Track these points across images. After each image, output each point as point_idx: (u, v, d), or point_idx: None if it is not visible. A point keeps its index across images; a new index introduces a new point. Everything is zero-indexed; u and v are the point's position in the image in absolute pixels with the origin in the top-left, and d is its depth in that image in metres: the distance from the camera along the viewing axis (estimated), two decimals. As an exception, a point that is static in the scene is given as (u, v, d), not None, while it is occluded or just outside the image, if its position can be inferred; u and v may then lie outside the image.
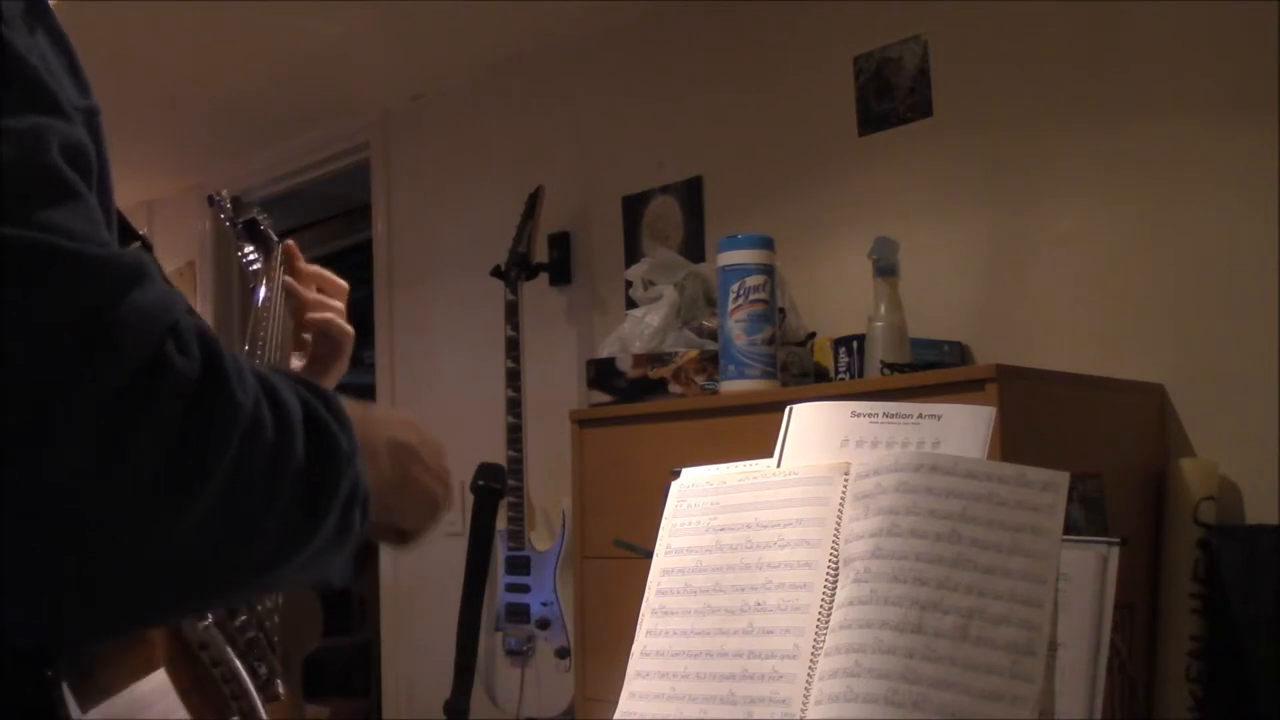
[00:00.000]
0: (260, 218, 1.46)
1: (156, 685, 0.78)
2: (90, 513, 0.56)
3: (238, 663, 0.92)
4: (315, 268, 1.33)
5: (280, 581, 0.67)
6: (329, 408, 0.68)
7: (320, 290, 1.30)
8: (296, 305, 1.28)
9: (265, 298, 1.34)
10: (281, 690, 1.08)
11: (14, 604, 0.59)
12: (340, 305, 1.30)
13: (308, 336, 1.28)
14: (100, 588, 0.59)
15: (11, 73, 0.60)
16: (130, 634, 0.75)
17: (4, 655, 0.63)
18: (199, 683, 0.88)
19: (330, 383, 1.24)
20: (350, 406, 0.71)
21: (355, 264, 4.51)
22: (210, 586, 0.64)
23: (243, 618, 1.06)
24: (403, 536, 0.86)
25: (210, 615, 0.91)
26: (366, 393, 4.14)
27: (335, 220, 5.07)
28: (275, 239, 1.43)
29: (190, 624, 0.89)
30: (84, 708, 0.67)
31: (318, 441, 0.66)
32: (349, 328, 1.28)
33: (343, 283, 1.33)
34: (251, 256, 1.44)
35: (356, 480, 0.69)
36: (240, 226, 1.46)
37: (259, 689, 0.95)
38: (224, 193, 1.64)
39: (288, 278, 1.31)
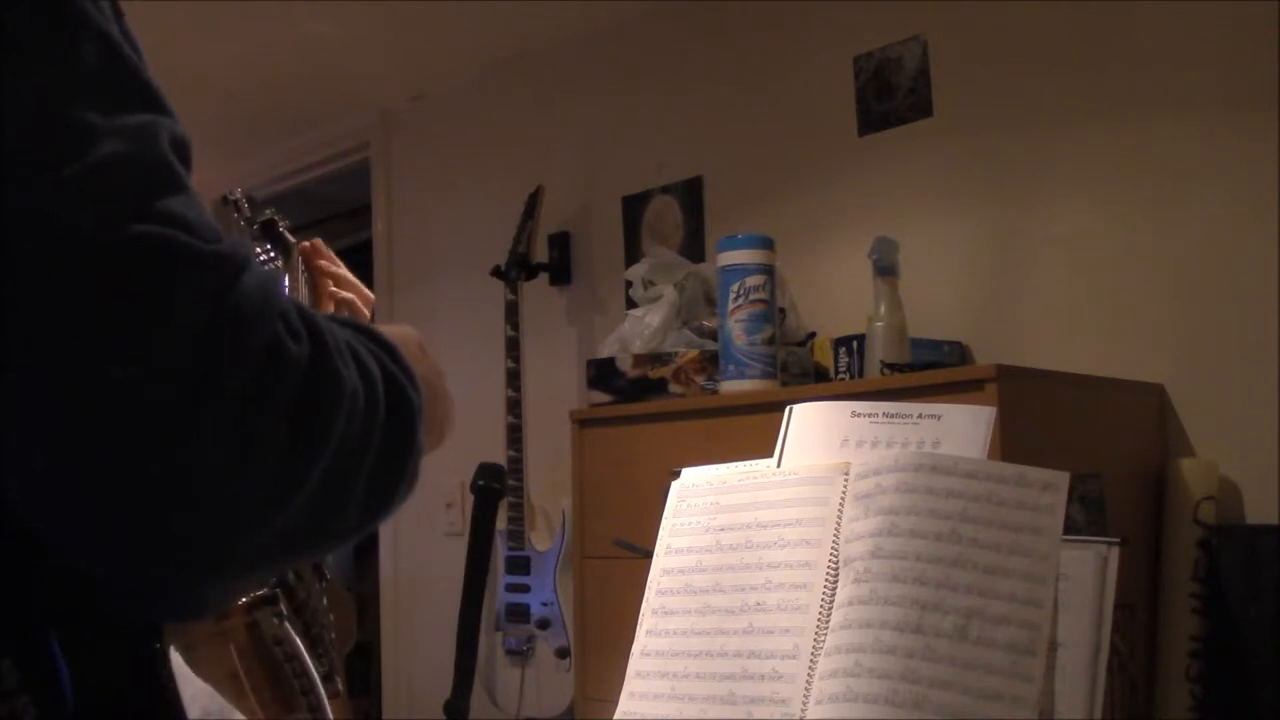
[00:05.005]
0: (277, 219, 1.46)
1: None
2: (217, 501, 0.57)
3: (309, 659, 0.93)
4: (342, 273, 1.35)
5: (361, 535, 0.69)
6: (397, 362, 0.70)
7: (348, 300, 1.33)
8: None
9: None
10: (340, 686, 1.09)
11: (141, 582, 0.61)
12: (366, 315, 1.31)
13: None
14: (219, 565, 0.61)
15: (121, 74, 0.62)
16: (229, 602, 0.77)
17: (120, 630, 0.66)
18: (271, 676, 0.90)
19: None
20: (402, 343, 0.73)
21: (355, 264, 4.47)
22: (302, 550, 0.66)
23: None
24: None
25: (285, 610, 0.92)
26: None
27: (335, 220, 5.06)
28: (293, 241, 1.43)
29: (267, 619, 0.90)
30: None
31: (396, 405, 0.68)
32: None
33: (369, 295, 1.35)
34: (267, 258, 1.44)
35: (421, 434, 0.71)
36: (257, 227, 1.46)
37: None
38: (239, 192, 1.61)
39: (327, 278, 1.32)
